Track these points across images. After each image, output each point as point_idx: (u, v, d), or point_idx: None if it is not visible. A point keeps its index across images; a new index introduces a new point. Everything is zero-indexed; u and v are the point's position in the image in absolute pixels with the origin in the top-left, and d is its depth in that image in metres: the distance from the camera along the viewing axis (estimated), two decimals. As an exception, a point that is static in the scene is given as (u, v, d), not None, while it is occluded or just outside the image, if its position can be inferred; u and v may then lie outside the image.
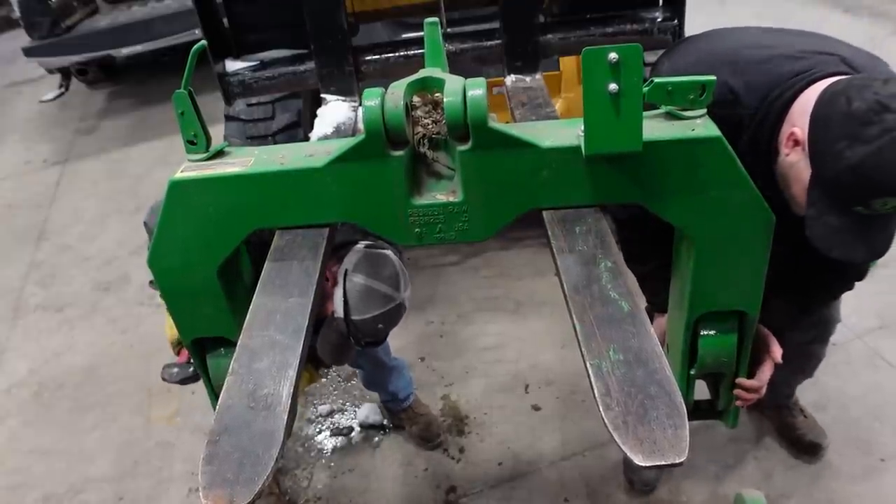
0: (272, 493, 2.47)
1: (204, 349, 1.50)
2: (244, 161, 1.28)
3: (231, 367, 1.04)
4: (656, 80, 1.15)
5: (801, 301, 1.79)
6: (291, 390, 1.00)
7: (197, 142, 1.29)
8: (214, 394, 1.56)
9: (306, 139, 1.77)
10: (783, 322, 1.61)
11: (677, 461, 0.85)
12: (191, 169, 1.27)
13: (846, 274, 1.68)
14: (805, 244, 1.26)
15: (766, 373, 1.54)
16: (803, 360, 2.18)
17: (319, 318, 1.86)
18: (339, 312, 1.62)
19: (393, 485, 2.53)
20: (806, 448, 2.42)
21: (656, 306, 1.81)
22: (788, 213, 1.33)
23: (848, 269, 1.66)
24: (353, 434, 2.74)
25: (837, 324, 2.09)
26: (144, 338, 3.39)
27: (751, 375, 1.55)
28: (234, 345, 1.10)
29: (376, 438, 2.70)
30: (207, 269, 1.31)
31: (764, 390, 1.56)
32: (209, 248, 1.29)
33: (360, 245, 1.71)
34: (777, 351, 1.54)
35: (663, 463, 0.85)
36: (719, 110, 1.32)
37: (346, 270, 1.63)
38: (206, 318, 1.39)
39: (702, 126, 1.15)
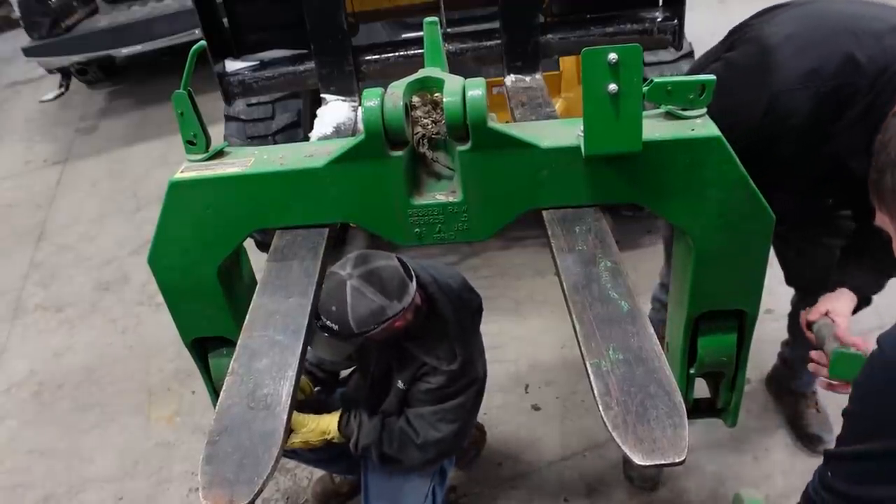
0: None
1: (205, 349, 1.50)
2: (244, 161, 1.28)
3: (231, 367, 1.04)
4: (656, 79, 1.15)
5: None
6: (291, 390, 0.99)
7: (196, 142, 1.29)
8: (215, 393, 1.55)
9: (306, 139, 1.77)
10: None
11: (677, 460, 0.85)
12: (190, 169, 1.27)
13: None
14: None
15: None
16: None
17: None
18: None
19: (393, 485, 2.53)
20: (808, 438, 2.46)
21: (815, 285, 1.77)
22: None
23: None
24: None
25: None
26: (144, 338, 3.39)
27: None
28: (235, 345, 1.10)
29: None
30: (207, 269, 1.31)
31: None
32: (209, 249, 1.29)
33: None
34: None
35: (663, 462, 0.85)
36: (838, 79, 1.36)
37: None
38: (206, 317, 1.39)
39: (701, 126, 1.15)
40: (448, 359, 1.88)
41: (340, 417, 1.93)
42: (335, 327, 1.71)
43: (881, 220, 1.13)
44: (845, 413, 1.12)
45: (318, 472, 2.57)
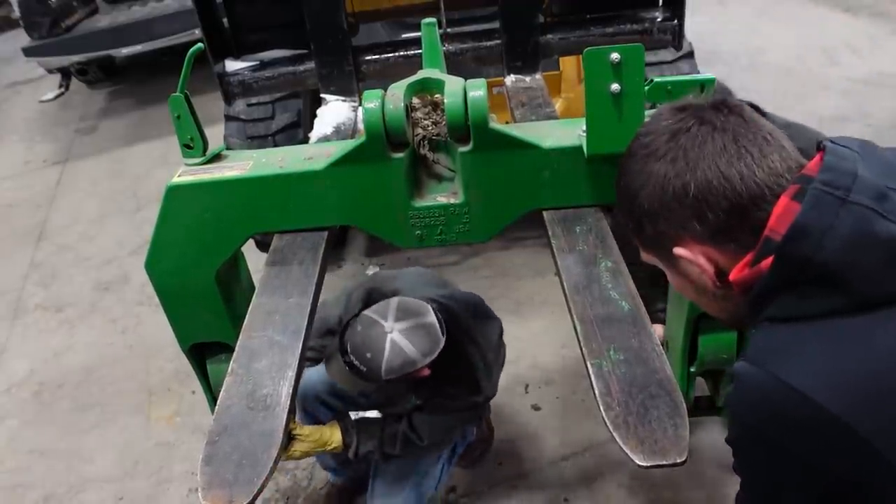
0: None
1: (203, 355, 1.49)
2: (242, 165, 1.27)
3: (230, 367, 1.04)
4: (656, 79, 1.15)
5: None
6: (290, 391, 0.99)
7: (194, 145, 1.28)
8: (213, 399, 1.55)
9: (306, 139, 1.77)
10: None
11: (678, 461, 0.85)
12: (188, 173, 1.26)
13: None
14: None
15: None
16: None
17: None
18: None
19: (393, 485, 2.52)
20: None
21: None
22: None
23: None
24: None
25: None
26: (144, 338, 3.39)
27: None
28: (234, 350, 1.09)
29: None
30: (205, 274, 1.30)
31: None
32: (207, 253, 1.29)
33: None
34: None
35: (664, 462, 0.85)
36: None
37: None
38: (204, 322, 1.39)
39: (702, 126, 1.15)
40: (473, 392, 1.89)
41: (342, 427, 1.92)
42: (363, 369, 1.70)
43: (648, 258, 1.00)
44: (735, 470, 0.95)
45: (319, 473, 2.57)
